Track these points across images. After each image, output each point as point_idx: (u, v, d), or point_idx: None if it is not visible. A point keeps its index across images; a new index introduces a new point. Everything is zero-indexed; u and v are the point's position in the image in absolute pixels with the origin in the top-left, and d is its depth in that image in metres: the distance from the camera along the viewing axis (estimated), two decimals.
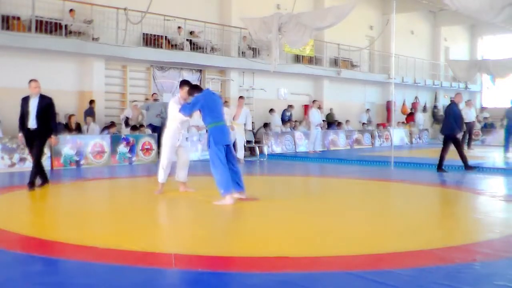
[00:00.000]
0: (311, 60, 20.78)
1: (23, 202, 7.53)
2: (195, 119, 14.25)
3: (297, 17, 11.83)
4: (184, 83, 8.00)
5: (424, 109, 27.49)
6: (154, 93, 15.57)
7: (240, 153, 14.14)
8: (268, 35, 12.39)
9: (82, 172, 11.28)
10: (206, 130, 7.84)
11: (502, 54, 26.43)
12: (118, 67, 15.67)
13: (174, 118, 7.81)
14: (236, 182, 7.33)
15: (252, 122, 17.13)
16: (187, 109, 7.50)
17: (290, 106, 19.65)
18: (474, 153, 16.25)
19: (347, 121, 21.14)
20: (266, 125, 17.50)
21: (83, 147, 12.00)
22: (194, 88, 7.66)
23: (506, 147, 16.24)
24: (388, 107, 24.48)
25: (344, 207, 7.36)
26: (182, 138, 8.00)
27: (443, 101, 29.08)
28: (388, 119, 23.28)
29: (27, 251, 4.70)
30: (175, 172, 8.15)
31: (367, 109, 23.39)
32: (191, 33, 17.00)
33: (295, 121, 19.14)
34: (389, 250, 4.81)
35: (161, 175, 7.91)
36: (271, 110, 18.40)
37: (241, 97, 14.75)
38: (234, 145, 14.06)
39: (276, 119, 18.19)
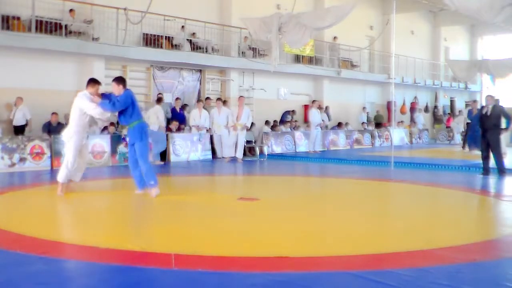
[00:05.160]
0: (311, 60, 20.79)
1: (23, 202, 7.52)
2: (196, 119, 14.42)
3: (297, 17, 11.83)
4: (118, 80, 7.86)
5: (426, 109, 27.48)
6: (159, 93, 15.52)
7: (240, 153, 14.18)
8: (268, 35, 12.40)
9: None
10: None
11: (502, 54, 26.42)
12: (118, 67, 15.66)
13: (83, 114, 7.66)
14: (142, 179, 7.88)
15: (252, 122, 17.17)
16: (116, 105, 7.55)
17: (293, 111, 19.71)
18: (475, 153, 16.26)
19: (346, 123, 21.14)
20: (267, 122, 17.52)
21: None
22: (122, 82, 7.85)
23: (469, 145, 17.41)
24: (388, 107, 24.47)
25: (344, 207, 7.36)
26: (87, 135, 7.99)
27: (443, 101, 29.09)
28: (389, 119, 23.27)
29: (27, 251, 4.70)
30: (76, 174, 7.95)
31: (363, 107, 23.34)
32: (192, 34, 17.00)
33: (295, 121, 19.15)
34: (389, 250, 4.81)
35: (64, 175, 7.69)
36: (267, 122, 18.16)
37: (241, 96, 14.82)
38: (236, 144, 14.14)
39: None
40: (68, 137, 7.71)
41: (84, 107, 7.64)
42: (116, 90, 7.73)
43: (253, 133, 16.39)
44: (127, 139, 8.22)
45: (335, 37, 22.00)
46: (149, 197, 7.72)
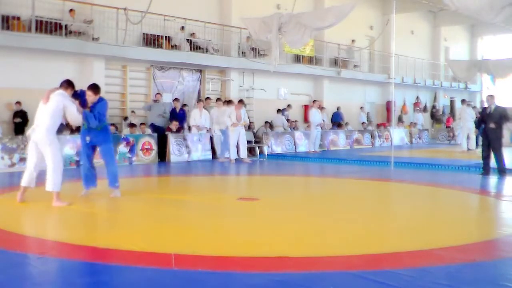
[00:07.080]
0: (311, 60, 20.79)
1: (23, 202, 7.52)
2: (196, 119, 14.42)
3: (297, 17, 11.83)
4: (95, 89, 7.45)
5: (425, 109, 27.48)
6: (157, 93, 15.53)
7: (244, 153, 14.14)
8: (268, 35, 12.40)
9: None
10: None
11: (502, 54, 26.42)
12: (118, 67, 15.67)
13: (62, 114, 7.02)
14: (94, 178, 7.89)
15: (252, 122, 17.15)
16: (101, 119, 7.38)
17: (289, 106, 19.63)
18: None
19: (346, 123, 21.13)
20: (266, 123, 17.51)
21: None
22: (99, 90, 7.55)
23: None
24: (388, 107, 24.48)
25: (344, 207, 7.35)
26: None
27: (443, 101, 29.09)
28: (388, 119, 23.27)
29: (27, 251, 4.69)
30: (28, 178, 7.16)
31: (361, 107, 23.29)
32: (192, 34, 17.00)
33: (295, 121, 19.13)
34: (389, 250, 4.81)
35: (59, 182, 7.00)
36: (278, 110, 18.35)
37: (241, 100, 14.67)
38: (239, 145, 14.13)
39: (280, 120, 18.12)
40: (53, 138, 6.95)
41: (71, 110, 6.98)
42: (93, 98, 7.43)
43: (253, 133, 16.36)
44: (87, 139, 7.53)
45: (353, 40, 22.08)
46: (147, 197, 7.73)
